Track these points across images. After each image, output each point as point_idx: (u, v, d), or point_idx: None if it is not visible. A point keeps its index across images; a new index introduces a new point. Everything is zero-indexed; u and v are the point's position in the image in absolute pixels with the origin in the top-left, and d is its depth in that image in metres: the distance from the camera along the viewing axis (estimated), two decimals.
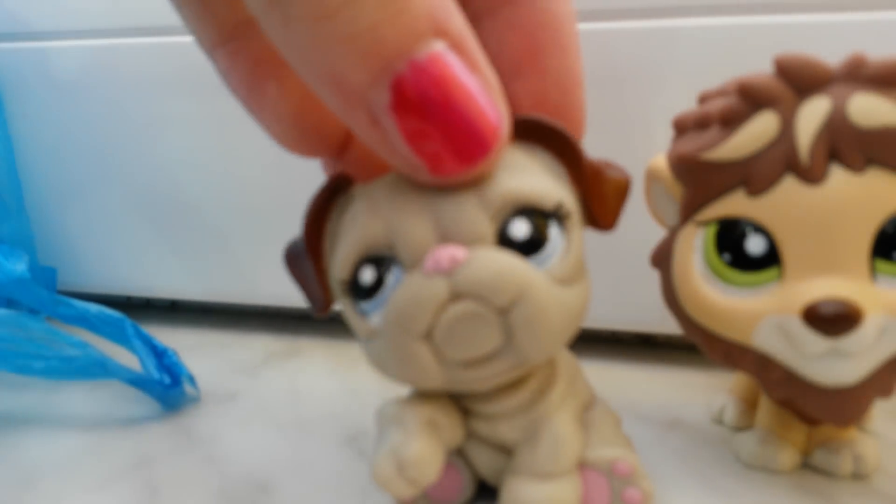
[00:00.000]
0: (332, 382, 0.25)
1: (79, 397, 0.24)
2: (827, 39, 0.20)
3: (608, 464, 0.15)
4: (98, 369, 0.22)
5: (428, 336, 0.13)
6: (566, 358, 0.16)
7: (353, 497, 0.17)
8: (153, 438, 0.21)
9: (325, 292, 0.15)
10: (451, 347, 0.13)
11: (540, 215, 0.13)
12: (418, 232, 0.13)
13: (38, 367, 0.21)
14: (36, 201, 0.31)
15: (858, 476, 0.17)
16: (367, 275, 0.13)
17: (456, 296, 0.12)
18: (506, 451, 0.15)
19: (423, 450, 0.14)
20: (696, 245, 0.16)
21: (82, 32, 0.28)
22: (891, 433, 0.19)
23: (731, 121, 0.15)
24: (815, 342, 0.14)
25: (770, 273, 0.15)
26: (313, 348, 0.28)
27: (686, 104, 0.17)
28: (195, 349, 0.28)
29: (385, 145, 0.12)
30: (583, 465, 0.15)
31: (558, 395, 0.15)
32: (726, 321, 0.15)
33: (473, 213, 0.13)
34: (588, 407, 0.16)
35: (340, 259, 0.14)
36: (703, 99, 0.16)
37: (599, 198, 0.14)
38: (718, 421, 0.21)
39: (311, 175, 0.27)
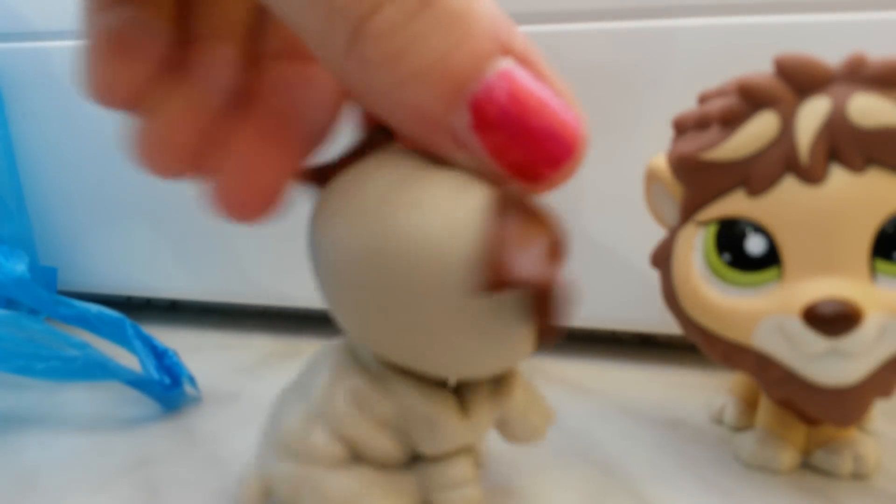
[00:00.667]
0: None
1: (79, 397, 0.24)
2: (827, 39, 0.20)
3: None
4: (98, 370, 0.22)
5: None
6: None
7: None
8: (153, 439, 0.21)
9: None
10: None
11: None
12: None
13: (39, 368, 0.21)
14: (36, 201, 0.31)
15: (858, 476, 0.17)
16: None
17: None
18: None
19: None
20: (696, 245, 0.16)
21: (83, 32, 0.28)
22: (891, 433, 0.19)
23: (731, 121, 0.15)
24: (815, 342, 0.14)
25: (770, 273, 0.15)
26: (313, 348, 0.28)
27: (686, 104, 0.17)
28: (195, 349, 0.28)
29: (474, 163, 0.12)
30: None
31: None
32: (726, 321, 0.15)
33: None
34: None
35: None
36: (703, 99, 0.16)
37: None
38: (718, 421, 0.20)
39: None
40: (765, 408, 0.18)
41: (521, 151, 0.12)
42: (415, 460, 0.14)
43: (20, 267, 0.26)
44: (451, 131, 0.12)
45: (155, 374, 0.23)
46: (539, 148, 0.12)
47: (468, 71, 0.11)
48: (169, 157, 0.15)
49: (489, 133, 0.12)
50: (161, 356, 0.23)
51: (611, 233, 0.23)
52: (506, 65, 0.12)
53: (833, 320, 0.14)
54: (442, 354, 0.12)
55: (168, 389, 0.23)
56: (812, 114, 0.14)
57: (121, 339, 0.24)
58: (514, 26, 0.12)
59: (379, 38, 0.11)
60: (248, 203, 0.15)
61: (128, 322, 0.24)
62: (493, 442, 0.20)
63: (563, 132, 0.12)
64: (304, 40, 0.12)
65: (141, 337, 0.24)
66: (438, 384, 0.14)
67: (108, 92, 0.14)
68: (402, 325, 0.12)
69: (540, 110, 0.12)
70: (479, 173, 0.12)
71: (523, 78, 0.12)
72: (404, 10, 0.11)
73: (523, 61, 0.12)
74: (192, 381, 0.23)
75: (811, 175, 0.14)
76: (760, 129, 0.14)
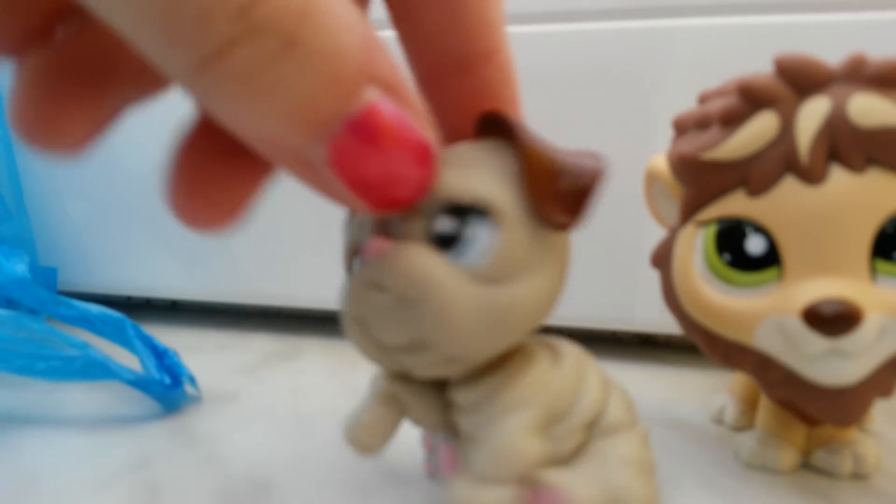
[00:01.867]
0: (332, 382, 0.25)
1: (79, 397, 0.24)
2: (827, 39, 0.20)
3: (550, 486, 0.14)
4: (99, 370, 0.22)
5: (360, 321, 0.13)
6: (542, 361, 0.15)
7: (353, 496, 0.17)
8: (153, 438, 0.21)
9: None
10: (377, 333, 0.13)
11: (461, 211, 0.13)
12: (367, 226, 0.14)
13: (40, 367, 0.21)
14: (36, 201, 0.31)
15: (858, 476, 0.17)
16: (352, 262, 0.14)
17: (373, 286, 0.13)
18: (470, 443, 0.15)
19: (370, 421, 0.15)
20: (696, 245, 0.16)
21: None
22: (891, 433, 0.19)
23: (731, 121, 0.15)
24: (815, 342, 0.14)
25: (770, 273, 0.15)
26: (313, 348, 0.28)
27: (686, 104, 0.17)
28: (195, 349, 0.28)
29: (326, 189, 0.12)
30: (544, 486, 0.14)
31: (514, 397, 0.14)
32: (727, 321, 0.15)
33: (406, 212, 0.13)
34: (597, 430, 0.15)
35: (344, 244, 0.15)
36: (703, 99, 0.16)
37: (551, 196, 0.13)
38: (718, 421, 0.20)
39: None
40: (765, 408, 0.18)
41: (375, 186, 0.12)
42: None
43: (21, 267, 0.26)
44: (305, 161, 0.12)
45: (155, 374, 0.23)
46: (392, 183, 0.12)
47: (332, 111, 0.11)
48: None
49: (345, 168, 0.11)
50: (161, 356, 0.24)
51: (611, 233, 0.23)
52: (369, 97, 0.11)
53: (833, 320, 0.14)
54: None
55: (168, 389, 0.23)
56: (812, 114, 0.14)
57: (121, 339, 0.24)
58: (380, 46, 0.11)
59: (231, 80, 0.10)
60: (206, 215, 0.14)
61: (128, 322, 0.24)
62: None
63: (416, 170, 0.12)
64: (140, 52, 0.11)
65: (141, 337, 0.24)
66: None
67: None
68: None
69: (397, 147, 0.12)
70: (328, 197, 0.12)
71: (385, 108, 0.11)
72: (264, 53, 0.10)
73: (388, 88, 0.11)
74: (192, 380, 0.23)
75: (811, 175, 0.14)
76: (760, 129, 0.14)
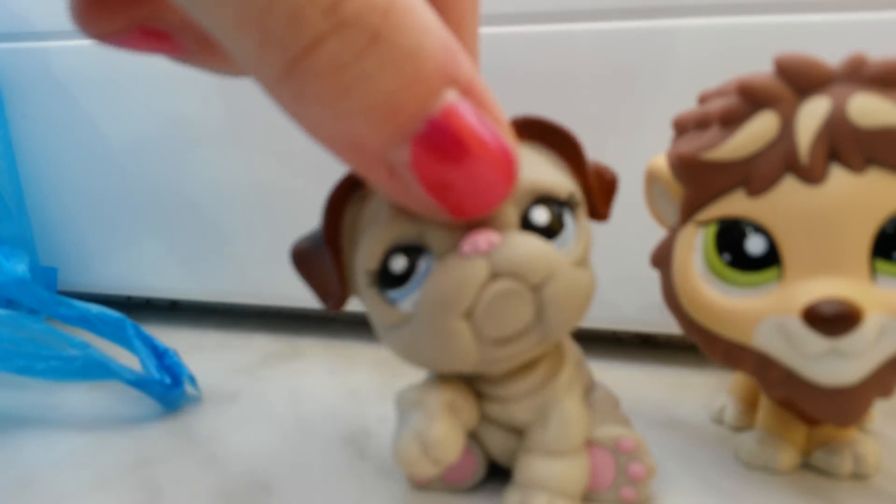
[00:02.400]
0: (332, 382, 0.25)
1: (79, 397, 0.24)
2: (827, 39, 0.20)
3: (613, 441, 0.16)
4: (99, 370, 0.22)
5: (468, 314, 0.13)
6: (571, 345, 0.17)
7: (353, 497, 0.17)
8: (153, 438, 0.21)
9: (343, 286, 0.15)
10: (491, 323, 0.13)
11: (556, 204, 0.14)
12: (448, 221, 0.13)
13: (39, 367, 0.21)
14: (36, 201, 0.31)
15: (858, 476, 0.17)
16: (399, 263, 0.14)
17: (495, 275, 0.13)
18: (517, 432, 0.16)
19: (446, 431, 0.14)
20: (696, 245, 0.16)
21: (83, 32, 0.28)
22: (891, 433, 0.19)
23: (731, 121, 0.15)
24: (815, 342, 0.14)
25: (770, 273, 0.15)
26: (313, 348, 0.28)
27: (686, 104, 0.17)
28: (195, 349, 0.28)
29: (406, 196, 0.12)
30: (590, 444, 0.16)
31: (566, 378, 0.16)
32: (726, 321, 0.15)
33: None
34: (589, 390, 0.17)
35: (368, 250, 0.14)
36: (703, 99, 0.16)
37: (599, 191, 0.16)
38: (718, 421, 0.20)
39: (311, 175, 0.27)
40: (765, 408, 0.18)
41: (457, 191, 0.12)
42: None
43: (21, 267, 0.26)
44: (388, 165, 0.12)
45: (155, 374, 0.23)
46: (474, 189, 0.12)
47: (412, 110, 0.11)
48: None
49: (427, 171, 0.12)
50: (161, 356, 0.24)
51: (611, 233, 0.23)
52: (450, 98, 0.11)
53: (833, 320, 0.14)
54: None
55: (168, 389, 0.23)
56: (812, 114, 0.14)
57: (121, 339, 0.24)
58: (462, 51, 0.12)
59: (320, 75, 0.10)
60: None
61: (128, 322, 0.24)
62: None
63: (497, 175, 0.12)
64: (233, 56, 0.11)
65: (141, 337, 0.24)
66: None
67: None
68: None
69: (479, 152, 0.12)
70: (409, 205, 0.13)
71: (466, 112, 0.11)
72: (351, 47, 0.10)
73: (468, 92, 0.12)
74: (192, 380, 0.23)
75: (811, 175, 0.14)
76: (760, 129, 0.14)
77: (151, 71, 0.28)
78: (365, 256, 0.14)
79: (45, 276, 0.30)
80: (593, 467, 0.16)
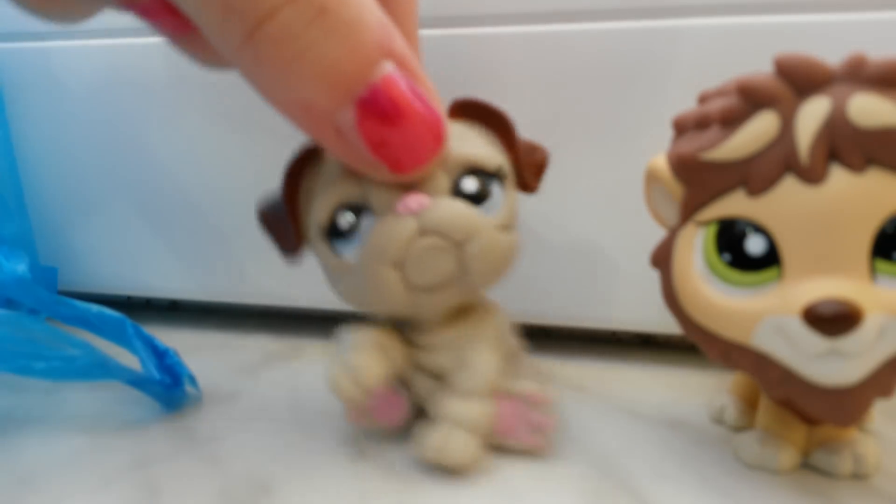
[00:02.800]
0: None
1: (79, 397, 0.24)
2: (827, 39, 0.20)
3: (523, 393, 0.18)
4: (99, 370, 0.22)
5: (398, 264, 0.16)
6: (501, 316, 0.19)
7: (353, 497, 0.17)
8: (153, 439, 0.21)
9: (298, 238, 0.18)
10: (417, 274, 0.16)
11: (484, 175, 0.17)
12: (387, 185, 0.16)
13: (40, 367, 0.21)
14: (36, 201, 0.31)
15: (858, 476, 0.17)
16: (345, 219, 0.17)
17: (423, 232, 0.16)
18: (441, 379, 0.18)
19: (368, 358, 0.17)
20: (696, 245, 0.16)
21: (83, 32, 0.28)
22: (891, 433, 0.19)
23: (730, 121, 0.15)
24: (814, 342, 0.14)
25: (770, 273, 0.15)
26: (313, 348, 0.28)
27: (687, 104, 0.17)
28: (195, 349, 0.28)
29: (351, 154, 0.14)
30: (505, 394, 0.18)
31: (487, 335, 0.18)
32: (726, 321, 0.15)
33: (433, 171, 0.16)
34: (513, 356, 0.20)
35: (320, 207, 0.17)
36: (703, 99, 0.16)
37: (529, 166, 0.18)
38: (718, 421, 0.20)
39: None
40: (765, 408, 0.18)
41: (395, 147, 0.14)
42: None
43: (21, 267, 0.26)
44: (335, 125, 0.14)
45: (156, 374, 0.23)
46: (409, 144, 0.14)
47: (357, 75, 0.13)
48: None
49: (369, 130, 0.13)
50: (162, 356, 0.24)
51: (611, 233, 0.23)
52: (388, 69, 0.13)
53: (833, 320, 0.14)
54: None
55: (169, 389, 0.23)
56: (812, 114, 0.14)
57: (121, 339, 0.24)
58: (397, 32, 0.14)
59: (275, 41, 0.12)
60: None
61: (128, 322, 0.24)
62: (494, 445, 0.20)
63: (429, 133, 0.14)
64: (199, 27, 0.13)
65: (141, 337, 0.24)
66: None
67: None
68: None
69: (413, 112, 0.14)
70: (353, 163, 0.15)
71: (401, 81, 0.13)
72: (301, 17, 0.12)
73: (402, 65, 0.14)
74: (192, 380, 0.23)
75: (811, 175, 0.14)
76: (760, 129, 0.14)
77: (152, 71, 0.28)
78: (317, 213, 0.17)
79: (45, 276, 0.30)
80: (502, 413, 0.18)
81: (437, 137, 0.15)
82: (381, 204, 0.16)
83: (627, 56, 0.23)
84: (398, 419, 0.19)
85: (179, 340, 0.26)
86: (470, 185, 0.17)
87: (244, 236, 0.29)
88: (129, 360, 0.23)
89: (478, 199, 0.17)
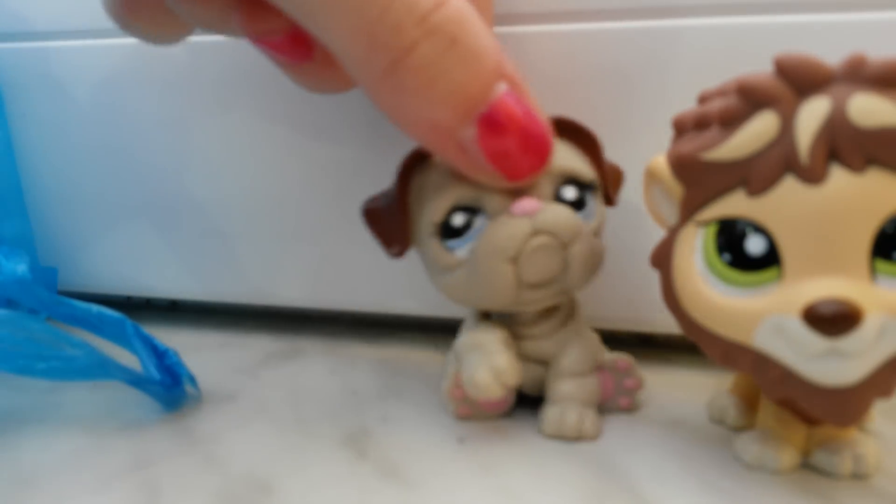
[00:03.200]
0: (333, 382, 0.25)
1: (79, 398, 0.24)
2: (827, 39, 0.20)
3: (613, 362, 0.21)
4: (99, 370, 0.22)
5: (514, 260, 0.17)
6: (578, 303, 0.21)
7: (353, 498, 0.17)
8: (153, 439, 0.21)
9: (407, 235, 0.20)
10: (530, 269, 0.18)
11: (580, 185, 0.19)
12: (500, 190, 0.18)
13: (40, 367, 0.21)
14: (36, 201, 0.31)
15: (858, 476, 0.17)
16: (459, 219, 0.18)
17: (536, 232, 0.17)
18: (542, 364, 0.20)
19: (510, 359, 0.19)
20: (696, 245, 0.16)
21: (83, 32, 0.28)
22: (891, 433, 0.19)
23: (730, 120, 0.15)
24: (814, 342, 0.14)
25: (770, 273, 0.15)
26: (314, 348, 0.28)
27: (686, 104, 0.17)
28: (195, 349, 0.28)
29: (472, 165, 0.16)
30: (598, 365, 0.21)
31: (581, 318, 0.21)
32: (726, 321, 0.15)
33: (541, 178, 0.18)
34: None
35: (434, 207, 0.18)
36: (703, 99, 0.16)
37: (611, 181, 0.20)
38: (719, 421, 0.20)
39: (310, 176, 0.27)
40: (765, 408, 0.18)
41: (512, 158, 0.16)
42: None
43: (21, 267, 0.26)
44: (458, 141, 0.15)
45: (156, 374, 0.23)
46: (525, 154, 0.16)
47: (479, 96, 0.15)
48: None
49: (489, 144, 0.15)
50: (161, 356, 0.23)
51: (611, 233, 0.23)
52: (503, 88, 0.15)
53: (833, 320, 0.14)
54: None
55: (169, 389, 0.23)
56: (812, 114, 0.14)
57: (121, 339, 0.24)
58: (506, 54, 0.15)
59: (415, 70, 0.14)
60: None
61: (128, 322, 0.24)
62: (495, 442, 0.20)
63: (541, 143, 0.16)
64: (340, 60, 0.15)
65: (141, 337, 0.24)
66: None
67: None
68: None
69: (526, 125, 0.16)
70: (473, 174, 0.17)
71: (514, 98, 0.15)
72: (436, 48, 0.14)
73: (514, 84, 0.15)
74: (192, 380, 0.23)
75: (811, 175, 0.14)
76: (760, 128, 0.14)
77: (152, 71, 0.28)
78: (430, 212, 0.19)
79: (45, 276, 0.30)
80: (602, 384, 0.20)
81: (546, 148, 0.16)
82: (496, 206, 0.18)
83: (628, 56, 0.23)
84: (505, 407, 0.21)
85: (179, 340, 0.26)
86: (569, 193, 0.19)
87: (244, 236, 0.29)
88: (129, 360, 0.23)
89: (576, 206, 0.19)
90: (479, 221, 0.18)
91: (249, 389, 0.24)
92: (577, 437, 0.19)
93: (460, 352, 0.20)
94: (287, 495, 0.17)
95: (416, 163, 0.20)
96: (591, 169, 0.19)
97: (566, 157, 0.19)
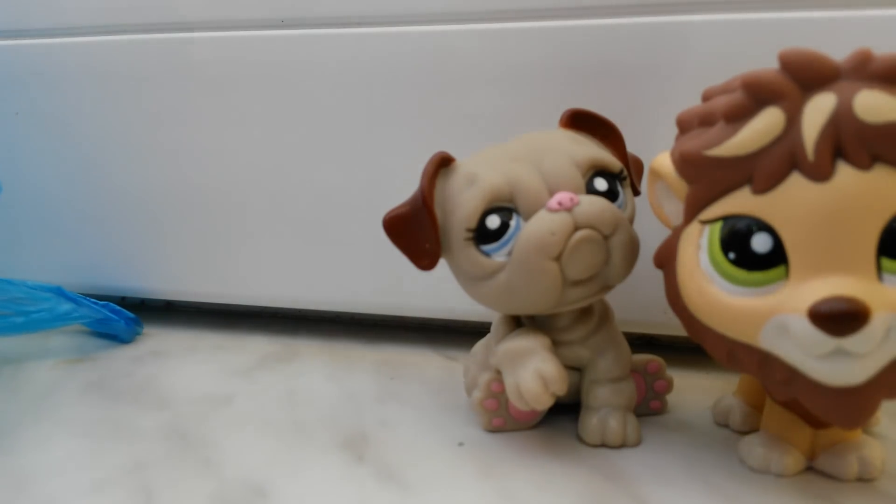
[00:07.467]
0: (329, 385, 0.24)
1: (75, 401, 0.24)
2: (833, 35, 0.20)
3: (643, 365, 0.21)
4: (74, 313, 0.26)
5: (558, 257, 0.17)
6: (609, 306, 0.21)
7: (350, 500, 0.17)
8: (148, 442, 0.20)
9: (438, 244, 0.19)
10: (574, 265, 0.17)
11: (611, 175, 0.18)
12: (533, 186, 0.17)
13: (19, 322, 0.25)
14: (33, 202, 0.31)
15: (864, 479, 0.17)
16: (494, 221, 0.18)
17: (578, 226, 0.17)
18: (576, 370, 0.20)
19: (560, 367, 0.18)
20: (700, 244, 0.16)
21: (83, 31, 0.28)
22: (894, 434, 0.19)
23: (736, 117, 0.15)
24: (821, 342, 0.14)
25: (776, 272, 0.15)
26: (310, 350, 0.28)
27: (692, 100, 0.17)
28: (190, 351, 0.28)
29: None
30: (640, 364, 0.21)
31: (613, 322, 0.20)
32: (732, 321, 0.15)
33: (572, 171, 0.18)
34: None
35: (466, 211, 0.18)
36: (708, 95, 0.16)
37: (635, 171, 0.20)
38: (723, 423, 0.20)
39: (308, 177, 0.27)
40: (770, 411, 0.18)
41: None
42: None
43: None
44: None
45: (112, 315, 0.28)
46: None
47: None
48: None
49: None
50: (104, 305, 0.28)
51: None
52: None
53: (840, 319, 0.13)
54: None
55: (128, 324, 0.28)
56: (818, 110, 0.14)
57: (66, 302, 0.28)
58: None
59: None
60: None
61: (64, 290, 0.28)
62: (495, 445, 0.19)
63: None
64: None
65: (81, 297, 0.28)
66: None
67: None
68: None
69: None
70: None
71: None
72: None
73: None
74: (138, 321, 0.28)
75: (817, 172, 0.14)
76: (766, 125, 0.14)
77: (150, 70, 0.28)
78: (463, 217, 0.18)
79: None
80: (636, 387, 0.20)
81: None
82: (530, 203, 0.17)
83: (634, 52, 0.23)
84: (537, 417, 0.20)
85: (174, 341, 0.26)
86: (601, 184, 0.18)
87: (241, 237, 0.29)
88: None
89: (609, 196, 0.18)
90: (514, 222, 0.18)
91: (245, 392, 0.24)
92: (621, 445, 0.19)
93: (502, 360, 0.19)
94: (283, 500, 0.17)
95: (440, 168, 0.19)
96: (616, 160, 0.19)
97: (591, 148, 0.18)
